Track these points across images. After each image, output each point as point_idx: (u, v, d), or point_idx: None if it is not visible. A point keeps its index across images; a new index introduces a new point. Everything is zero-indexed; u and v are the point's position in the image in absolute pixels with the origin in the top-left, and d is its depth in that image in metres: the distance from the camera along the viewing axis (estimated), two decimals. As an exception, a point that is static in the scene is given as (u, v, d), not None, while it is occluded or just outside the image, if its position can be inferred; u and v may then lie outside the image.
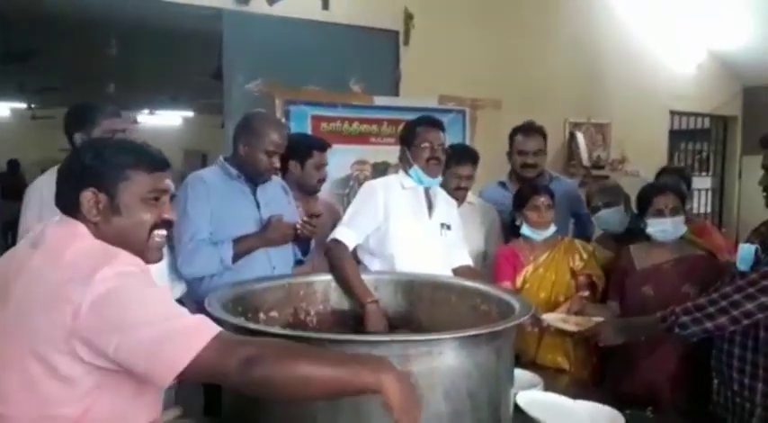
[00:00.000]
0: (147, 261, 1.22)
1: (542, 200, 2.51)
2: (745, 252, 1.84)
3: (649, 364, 2.20)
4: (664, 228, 2.29)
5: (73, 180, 1.20)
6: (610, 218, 2.62)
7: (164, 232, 1.26)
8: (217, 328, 1.07)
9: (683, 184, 2.95)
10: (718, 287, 1.91)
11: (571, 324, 2.21)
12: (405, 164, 2.36)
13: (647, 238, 2.37)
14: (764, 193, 1.87)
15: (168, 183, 1.27)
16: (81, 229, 1.17)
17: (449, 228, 2.39)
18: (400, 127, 3.68)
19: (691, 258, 2.32)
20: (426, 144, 2.28)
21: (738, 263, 1.86)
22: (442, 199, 2.43)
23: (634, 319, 2.14)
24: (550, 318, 2.24)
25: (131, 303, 1.05)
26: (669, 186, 2.45)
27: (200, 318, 1.09)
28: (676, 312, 1.86)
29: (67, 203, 1.20)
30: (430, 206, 2.37)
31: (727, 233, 5.67)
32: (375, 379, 1.06)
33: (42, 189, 2.13)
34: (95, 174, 1.18)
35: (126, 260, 1.10)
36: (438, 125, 2.35)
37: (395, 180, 2.36)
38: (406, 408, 1.08)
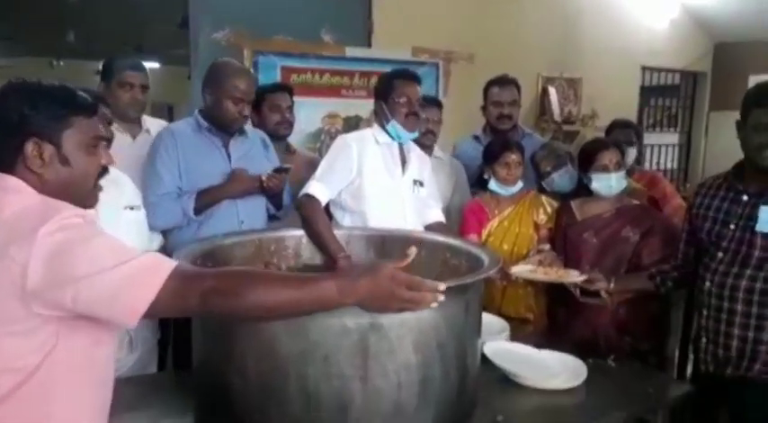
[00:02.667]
0: (88, 207, 1.20)
1: (513, 157, 2.52)
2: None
3: (593, 312, 2.27)
4: (609, 183, 2.33)
5: (7, 131, 1.12)
6: (561, 180, 2.63)
7: (100, 179, 1.24)
8: (172, 264, 1.05)
9: (634, 136, 3.00)
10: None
11: (540, 274, 2.26)
12: (380, 118, 2.32)
13: (588, 192, 2.41)
14: (755, 152, 1.80)
15: (101, 127, 1.23)
16: (14, 182, 1.11)
17: (421, 184, 2.39)
18: (373, 80, 3.69)
19: (630, 207, 2.39)
20: (404, 99, 2.25)
21: (760, 226, 1.80)
22: (416, 155, 2.42)
23: None
24: (519, 270, 2.29)
25: (81, 254, 1.03)
26: (613, 141, 2.47)
27: (154, 256, 1.08)
28: None
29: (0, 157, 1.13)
30: (403, 162, 2.36)
31: (691, 188, 5.81)
32: (339, 301, 1.10)
33: None
34: (35, 123, 1.12)
35: (69, 212, 1.07)
36: (415, 78, 2.31)
37: (369, 134, 2.33)
38: (381, 309, 1.13)
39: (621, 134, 2.95)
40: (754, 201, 1.84)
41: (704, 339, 1.96)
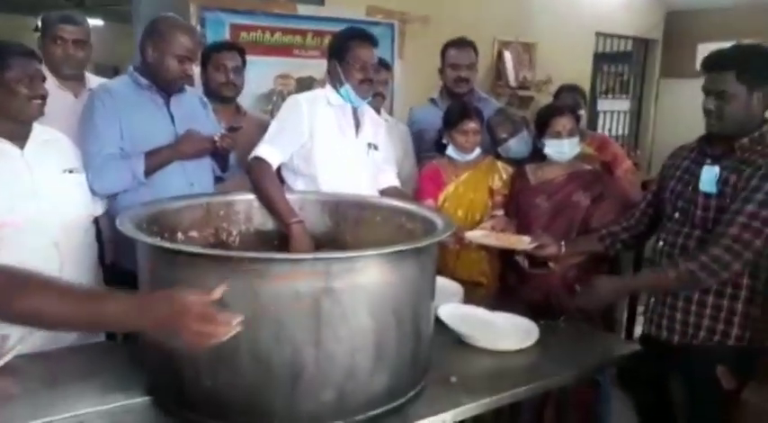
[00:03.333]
0: None
1: (471, 125, 2.51)
2: (709, 173, 1.83)
3: (543, 275, 2.30)
4: (561, 149, 2.36)
5: None
6: (517, 146, 2.64)
7: None
8: None
9: (582, 100, 3.07)
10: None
11: (493, 239, 2.27)
12: (334, 79, 2.24)
13: (543, 157, 2.43)
14: (706, 117, 1.83)
15: None
16: None
17: (376, 148, 2.35)
18: (326, 39, 3.57)
19: (582, 172, 2.42)
20: (359, 63, 2.18)
21: (702, 185, 1.84)
22: (370, 118, 2.37)
23: (638, 280, 2.08)
24: (473, 235, 2.29)
25: None
26: (567, 107, 2.49)
27: None
28: (691, 269, 1.78)
29: None
30: (357, 125, 2.30)
31: (641, 154, 5.95)
32: (125, 326, 1.04)
33: None
34: None
35: None
36: (372, 41, 2.23)
37: (321, 95, 2.26)
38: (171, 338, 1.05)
39: (569, 97, 3.00)
40: (715, 164, 1.86)
41: (653, 299, 2.01)
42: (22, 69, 1.80)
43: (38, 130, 1.93)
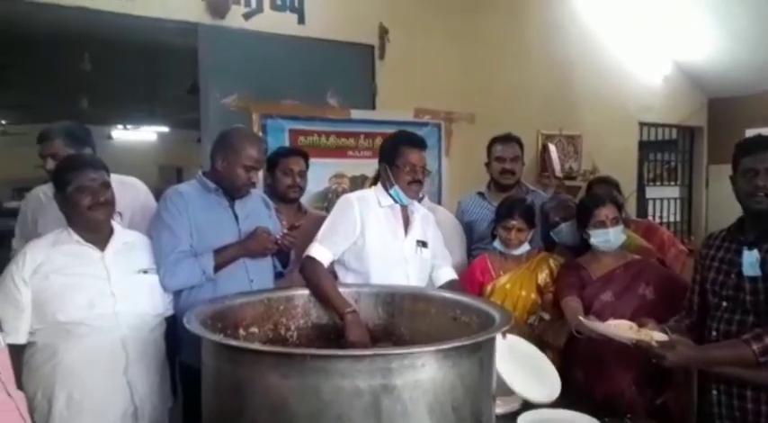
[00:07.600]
0: None
1: (513, 223, 2.54)
2: (750, 258, 1.85)
3: (614, 372, 2.21)
4: (606, 238, 2.35)
5: None
6: (568, 231, 2.66)
7: None
8: None
9: (615, 191, 3.06)
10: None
11: (625, 330, 1.97)
12: (384, 181, 2.34)
13: (589, 248, 2.42)
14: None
15: None
16: None
17: (424, 245, 2.39)
18: (377, 140, 3.77)
19: (636, 262, 2.40)
20: (409, 167, 2.27)
21: (746, 271, 1.86)
22: (420, 215, 2.43)
23: (717, 352, 1.90)
24: (600, 326, 2.00)
25: None
26: (608, 197, 2.51)
27: None
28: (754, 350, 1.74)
29: None
30: (406, 223, 2.37)
31: (695, 241, 5.81)
32: None
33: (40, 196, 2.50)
34: None
35: None
36: (421, 144, 2.33)
37: (372, 195, 2.36)
38: None
39: (601, 189, 3.01)
40: (753, 248, 1.86)
41: (714, 391, 1.94)
42: (79, 182, 1.93)
43: (119, 232, 2.07)
